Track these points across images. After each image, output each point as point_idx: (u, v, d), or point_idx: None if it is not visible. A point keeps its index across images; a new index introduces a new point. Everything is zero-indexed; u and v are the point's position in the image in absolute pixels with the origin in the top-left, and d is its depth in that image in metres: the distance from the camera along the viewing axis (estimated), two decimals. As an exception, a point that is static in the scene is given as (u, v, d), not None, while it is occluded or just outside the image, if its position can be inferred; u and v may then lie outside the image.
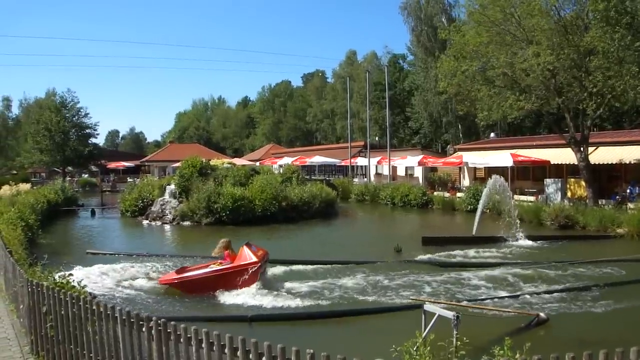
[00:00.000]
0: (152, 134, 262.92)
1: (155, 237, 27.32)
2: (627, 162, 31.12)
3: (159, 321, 6.29)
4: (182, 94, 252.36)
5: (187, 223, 30.16)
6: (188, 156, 35.40)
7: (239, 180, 32.88)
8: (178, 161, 40.84)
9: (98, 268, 17.36)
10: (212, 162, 36.39)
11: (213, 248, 16.12)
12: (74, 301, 7.40)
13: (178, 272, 15.22)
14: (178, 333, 6.06)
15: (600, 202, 29.18)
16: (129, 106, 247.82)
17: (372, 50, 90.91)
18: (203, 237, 26.41)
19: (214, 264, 15.26)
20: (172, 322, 6.23)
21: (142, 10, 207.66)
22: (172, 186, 32.93)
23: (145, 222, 31.71)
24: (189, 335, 5.92)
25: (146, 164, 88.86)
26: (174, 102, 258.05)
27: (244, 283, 14.22)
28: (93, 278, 15.93)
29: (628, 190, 29.17)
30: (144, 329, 6.45)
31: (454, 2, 63.86)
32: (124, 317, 6.66)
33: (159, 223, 30.89)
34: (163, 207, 31.99)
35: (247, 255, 14.51)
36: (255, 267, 14.29)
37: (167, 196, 32.72)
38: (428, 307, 9.35)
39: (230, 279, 14.36)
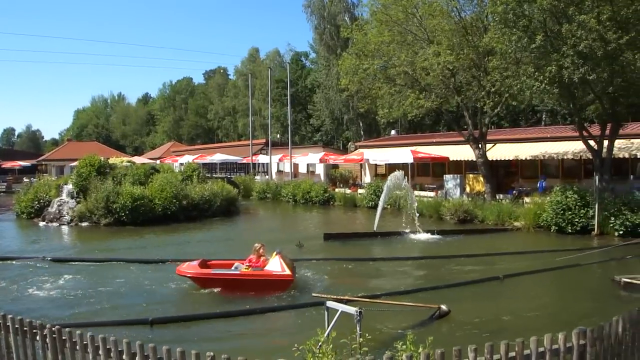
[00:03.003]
0: (50, 132, 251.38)
1: (51, 240, 25.99)
2: (523, 159, 32.60)
3: (54, 328, 6.07)
4: (80, 90, 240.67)
5: (85, 224, 29.16)
6: (86, 155, 34.00)
7: (138, 179, 32.08)
8: (76, 160, 39.11)
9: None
10: (111, 161, 35.37)
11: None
12: (-39, 311, 7.05)
13: (201, 265, 14.51)
14: (74, 340, 5.88)
15: (497, 197, 30.24)
16: (25, 103, 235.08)
17: (274, 48, 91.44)
18: (102, 238, 25.61)
19: (240, 262, 14.75)
20: (67, 329, 6.03)
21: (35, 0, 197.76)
22: (70, 186, 31.81)
23: (42, 223, 30.40)
24: (85, 342, 5.76)
25: (43, 163, 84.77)
26: (72, 99, 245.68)
27: (271, 293, 13.67)
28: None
29: (539, 184, 30.29)
30: (38, 337, 6.23)
31: (357, 1, 64.71)
32: (16, 326, 6.42)
33: (56, 224, 29.68)
34: (60, 207, 30.81)
35: (281, 266, 13.97)
36: (289, 280, 13.88)
37: (64, 196, 31.58)
38: (331, 303, 9.13)
39: (259, 287, 13.80)
